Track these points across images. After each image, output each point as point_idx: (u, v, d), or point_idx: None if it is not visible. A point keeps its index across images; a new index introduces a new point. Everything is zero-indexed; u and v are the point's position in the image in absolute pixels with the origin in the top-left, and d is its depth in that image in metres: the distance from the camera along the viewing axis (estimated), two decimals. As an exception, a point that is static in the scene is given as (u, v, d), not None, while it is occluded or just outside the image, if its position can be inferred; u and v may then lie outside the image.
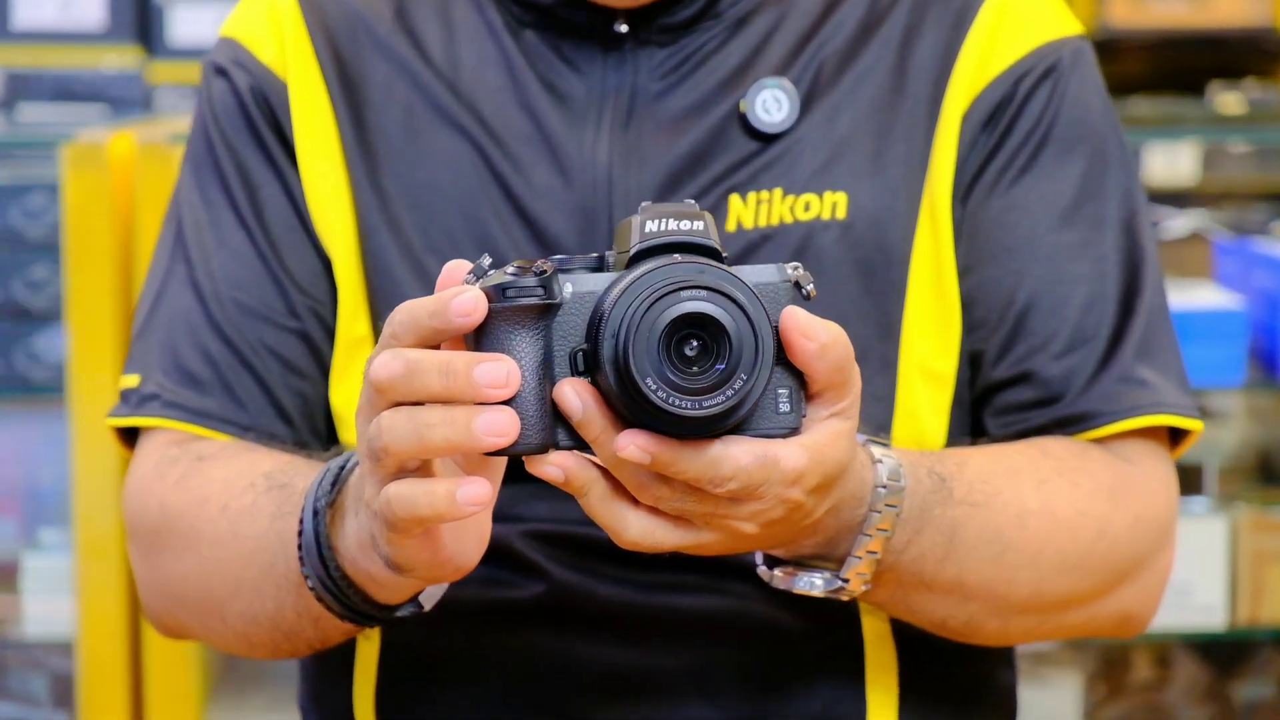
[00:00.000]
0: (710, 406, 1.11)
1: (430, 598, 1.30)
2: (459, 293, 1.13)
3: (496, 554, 1.43)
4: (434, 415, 1.12)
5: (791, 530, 1.21)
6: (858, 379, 1.18)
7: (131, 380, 1.48)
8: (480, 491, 1.13)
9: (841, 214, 1.43)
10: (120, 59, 3.82)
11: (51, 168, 2.74)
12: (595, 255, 1.18)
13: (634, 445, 1.12)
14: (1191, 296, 2.76)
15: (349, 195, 1.46)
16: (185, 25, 3.85)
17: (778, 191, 1.44)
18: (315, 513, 1.27)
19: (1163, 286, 1.49)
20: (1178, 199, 3.83)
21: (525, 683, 1.43)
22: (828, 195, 1.43)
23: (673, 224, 1.16)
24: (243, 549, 1.36)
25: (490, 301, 1.13)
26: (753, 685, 1.42)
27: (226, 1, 3.80)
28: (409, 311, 1.14)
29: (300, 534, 1.28)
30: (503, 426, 1.12)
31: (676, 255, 1.14)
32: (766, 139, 1.44)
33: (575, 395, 1.13)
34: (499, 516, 1.43)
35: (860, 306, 1.43)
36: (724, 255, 1.16)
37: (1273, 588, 2.81)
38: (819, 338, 1.14)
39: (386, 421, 1.13)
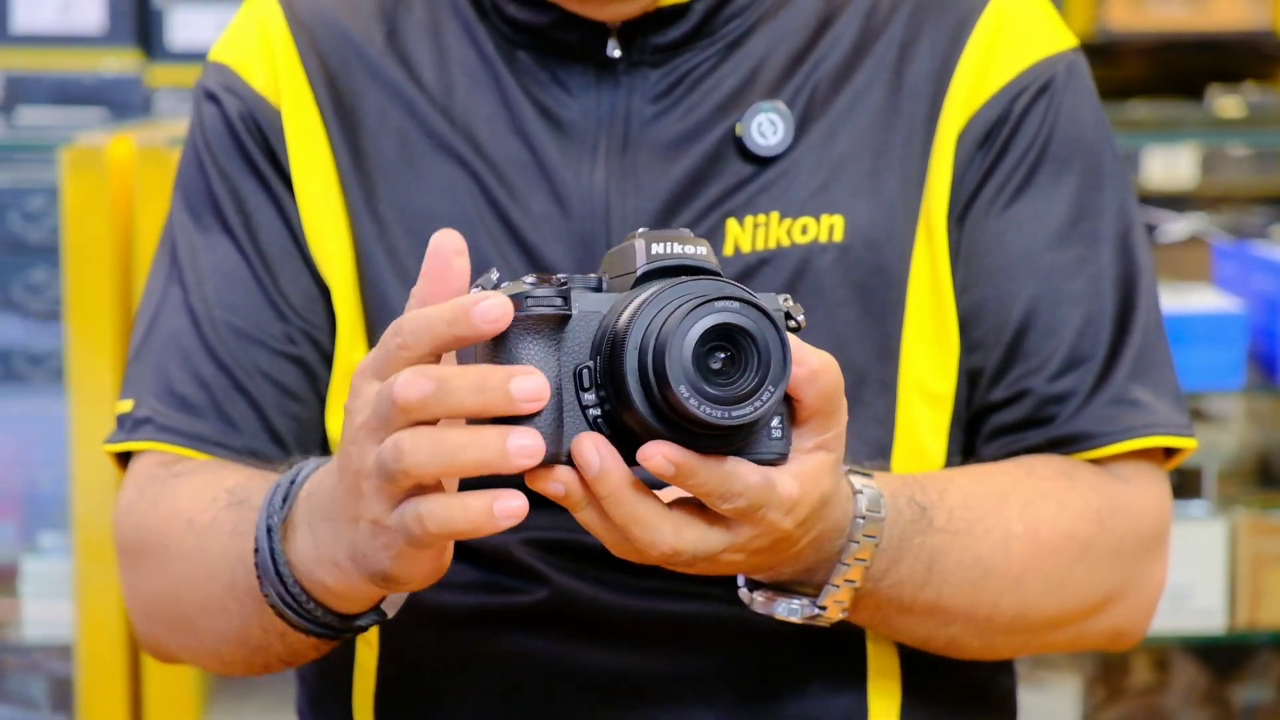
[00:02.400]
0: (740, 416, 1.11)
1: (393, 604, 1.29)
2: (481, 299, 1.11)
3: (496, 561, 1.43)
4: (463, 436, 1.11)
5: (773, 559, 1.22)
6: (845, 410, 1.19)
7: (126, 405, 1.48)
8: (518, 505, 1.12)
9: (839, 236, 1.43)
10: (119, 62, 3.82)
11: (51, 171, 2.74)
12: (594, 276, 1.18)
13: (661, 455, 1.12)
14: (1190, 300, 2.76)
15: (346, 223, 1.46)
16: (185, 28, 3.85)
17: (774, 215, 1.43)
18: (269, 530, 1.26)
19: (1157, 302, 1.49)
20: (1177, 202, 3.83)
21: (525, 688, 1.43)
22: (825, 218, 1.43)
23: (677, 248, 1.17)
24: (207, 566, 1.36)
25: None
26: (755, 691, 1.42)
27: (226, 5, 3.81)
28: (423, 320, 1.13)
29: (256, 552, 1.27)
30: (534, 448, 1.11)
31: (684, 276, 1.15)
32: (762, 162, 1.44)
33: (594, 450, 1.13)
34: None
35: (859, 328, 1.43)
36: (722, 275, 1.16)
37: (1272, 591, 2.80)
38: (810, 363, 1.15)
39: (409, 443, 1.11)
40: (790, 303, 1.18)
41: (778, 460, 1.16)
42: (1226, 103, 4.26)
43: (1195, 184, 4.16)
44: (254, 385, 1.45)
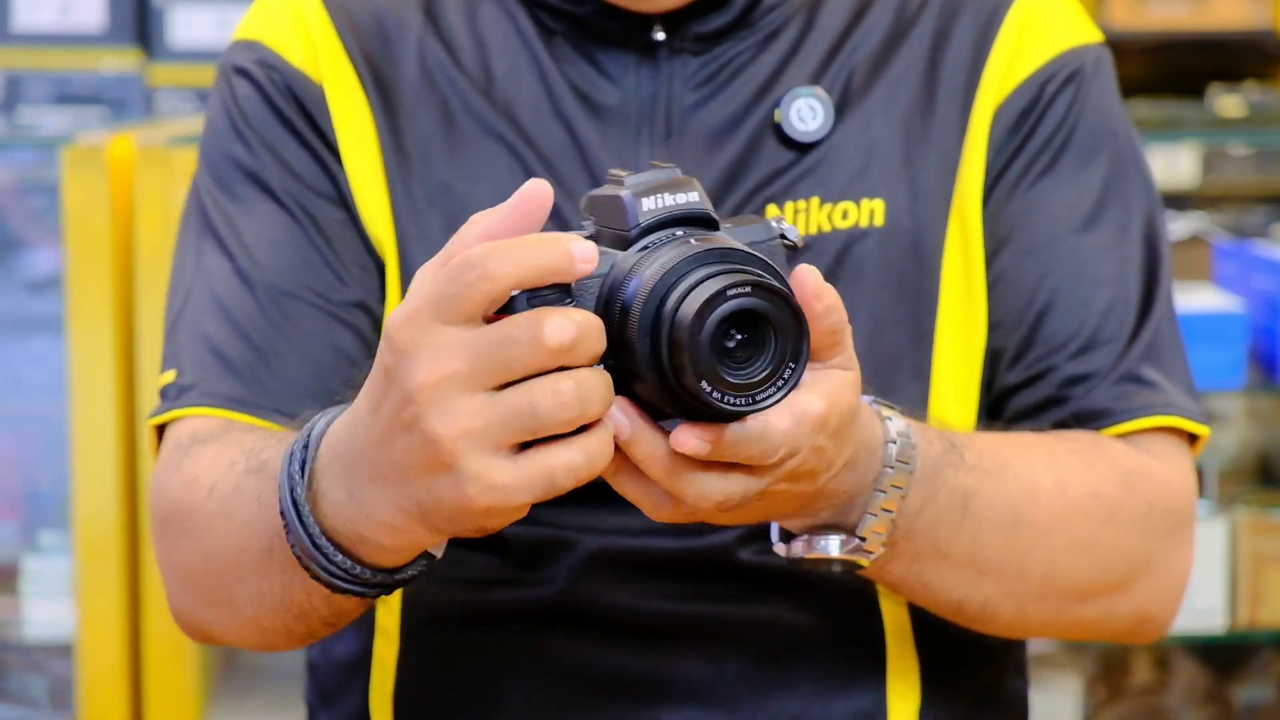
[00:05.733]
0: (764, 400, 1.10)
1: (439, 546, 1.24)
2: (573, 238, 1.09)
3: (521, 556, 1.43)
4: (587, 379, 1.09)
5: (816, 482, 1.20)
6: (849, 336, 1.18)
7: (168, 376, 1.44)
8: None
9: (879, 221, 1.43)
10: (120, 61, 3.82)
11: (51, 170, 2.74)
12: (587, 226, 1.16)
13: (695, 439, 1.11)
14: (1191, 299, 2.76)
15: (388, 202, 1.44)
16: (185, 28, 3.85)
17: (814, 200, 1.43)
18: (295, 504, 1.21)
19: (1172, 294, 1.49)
20: (1177, 202, 3.83)
21: (545, 685, 1.42)
22: (865, 202, 1.43)
23: (669, 199, 1.14)
24: (238, 533, 1.32)
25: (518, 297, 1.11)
26: (775, 692, 1.42)
27: (227, 4, 3.81)
28: (511, 252, 1.08)
29: (286, 527, 1.22)
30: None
31: (680, 231, 1.13)
32: (802, 148, 1.44)
33: (623, 415, 1.12)
34: (518, 522, 1.42)
35: (895, 314, 1.43)
36: (718, 220, 1.15)
37: (1272, 590, 2.81)
38: (826, 299, 1.15)
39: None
40: (784, 222, 1.17)
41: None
42: (1227, 102, 4.26)
43: (1196, 183, 4.16)
44: (312, 347, 1.42)
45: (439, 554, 1.24)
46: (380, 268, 1.44)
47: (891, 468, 1.26)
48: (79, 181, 2.65)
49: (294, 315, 1.42)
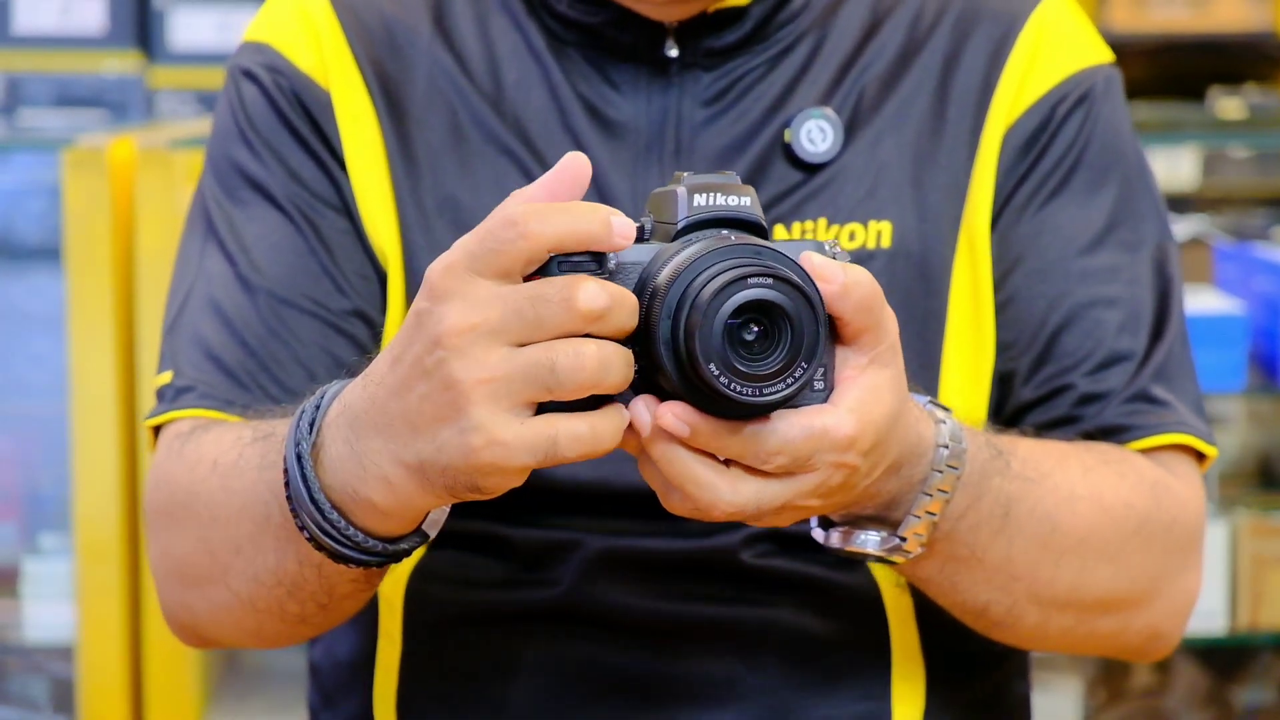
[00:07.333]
0: (771, 394, 1.11)
1: (434, 524, 1.24)
2: (615, 211, 1.11)
3: (526, 558, 1.43)
4: (605, 347, 1.11)
5: (850, 494, 1.21)
6: (890, 322, 1.17)
7: (164, 377, 1.44)
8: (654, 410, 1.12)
9: (886, 242, 1.43)
10: (120, 64, 3.82)
11: (52, 172, 2.74)
12: (639, 222, 1.17)
13: (671, 415, 1.12)
14: (1192, 302, 2.75)
15: (394, 210, 1.44)
16: (186, 30, 3.85)
17: (822, 221, 1.43)
18: (299, 458, 1.21)
19: (1184, 314, 1.49)
20: (1178, 204, 3.83)
21: (550, 687, 1.42)
22: (872, 224, 1.43)
23: (720, 199, 1.16)
24: (236, 504, 1.32)
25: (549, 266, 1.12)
26: (780, 694, 1.42)
27: (228, 6, 3.81)
28: (554, 214, 1.10)
29: (287, 484, 1.22)
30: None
31: (725, 231, 1.15)
32: (811, 169, 1.44)
33: (646, 412, 1.13)
34: (522, 523, 1.42)
35: (902, 335, 1.42)
36: (766, 228, 1.16)
37: (1273, 592, 2.80)
38: (838, 279, 1.14)
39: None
40: (839, 248, 1.17)
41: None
42: (1227, 104, 4.26)
43: (1196, 186, 4.16)
44: (309, 355, 1.42)
45: (433, 532, 1.24)
46: (382, 277, 1.45)
47: (940, 471, 1.26)
48: (79, 184, 2.65)
49: (292, 323, 1.43)
